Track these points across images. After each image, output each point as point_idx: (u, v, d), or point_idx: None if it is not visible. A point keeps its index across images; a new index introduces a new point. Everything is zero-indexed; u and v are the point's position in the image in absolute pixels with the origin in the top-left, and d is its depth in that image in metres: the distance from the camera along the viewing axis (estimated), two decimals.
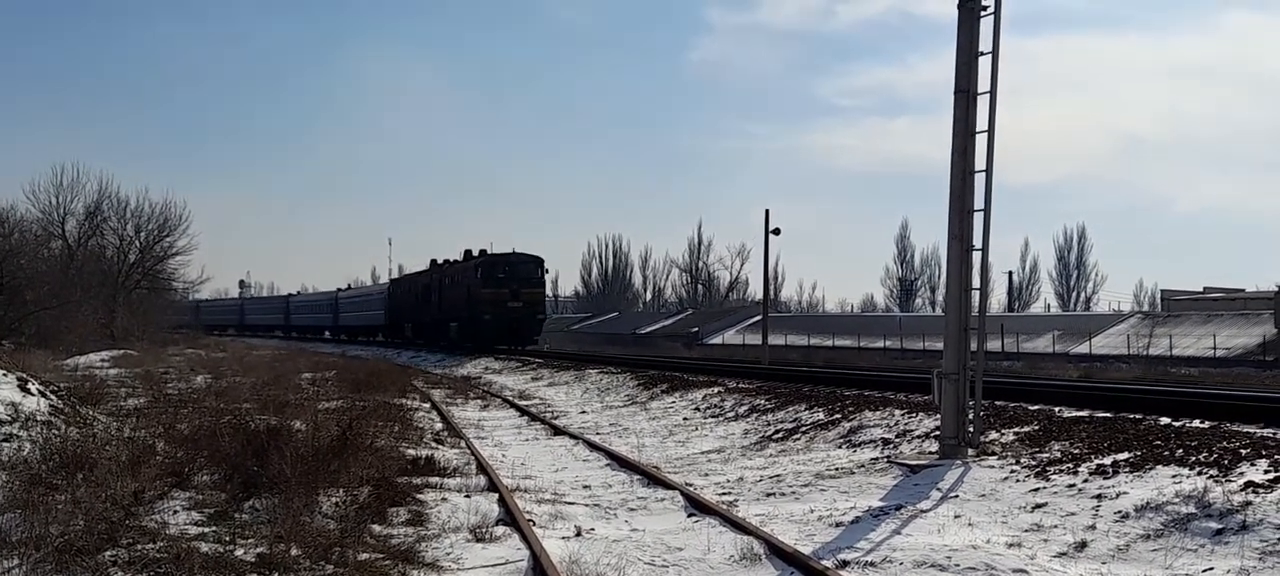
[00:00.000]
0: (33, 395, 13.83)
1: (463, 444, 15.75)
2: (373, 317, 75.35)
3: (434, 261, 62.96)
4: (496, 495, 10.87)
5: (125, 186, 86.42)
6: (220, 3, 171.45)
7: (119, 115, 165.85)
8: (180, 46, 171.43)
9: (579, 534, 9.18)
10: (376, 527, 9.05)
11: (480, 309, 51.57)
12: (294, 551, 7.77)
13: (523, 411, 22.18)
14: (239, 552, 7.82)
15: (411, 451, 13.97)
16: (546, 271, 55.43)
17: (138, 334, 44.19)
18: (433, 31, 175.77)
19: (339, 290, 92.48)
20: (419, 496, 10.72)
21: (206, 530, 8.68)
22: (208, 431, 12.29)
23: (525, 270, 53.06)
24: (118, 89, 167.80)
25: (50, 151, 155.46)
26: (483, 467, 12.90)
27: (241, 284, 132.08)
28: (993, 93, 11.75)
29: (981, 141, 11.80)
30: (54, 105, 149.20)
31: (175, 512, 9.31)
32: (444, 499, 10.73)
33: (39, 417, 12.90)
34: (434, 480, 11.90)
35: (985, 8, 11.82)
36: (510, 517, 9.61)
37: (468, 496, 10.95)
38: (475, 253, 56.94)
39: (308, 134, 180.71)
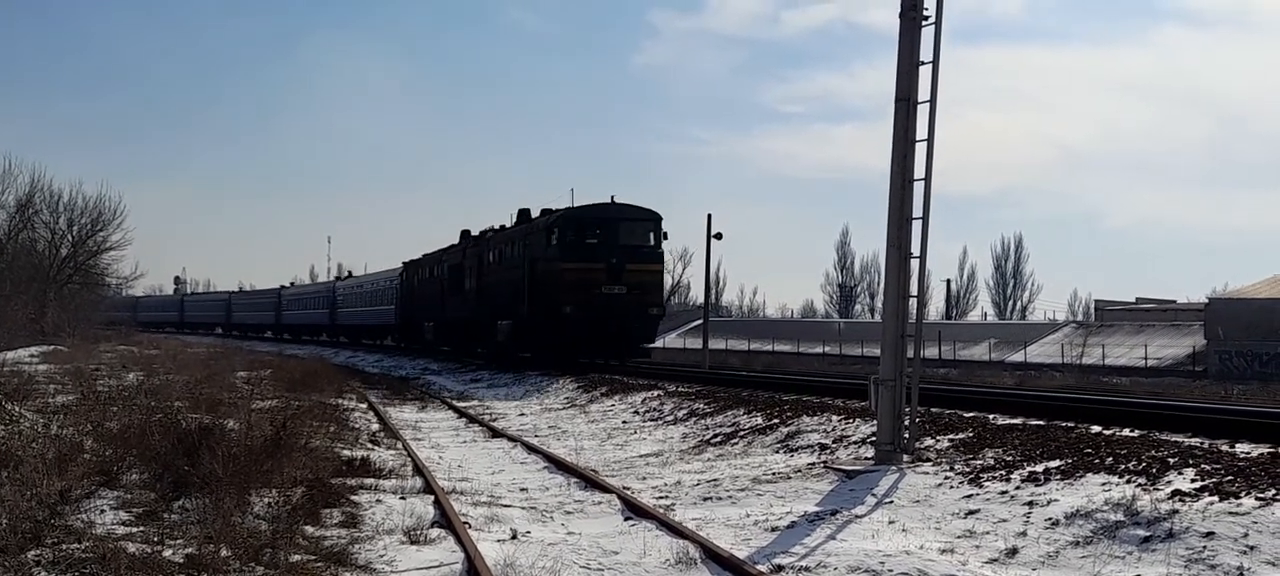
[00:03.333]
0: None
1: (399, 445, 15.62)
2: (380, 315, 58.16)
3: (467, 233, 43.74)
4: (432, 497, 10.79)
5: (59, 179, 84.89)
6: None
7: (55, 106, 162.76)
8: (128, 39, 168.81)
9: (515, 536, 9.13)
10: (309, 529, 8.95)
11: (556, 296, 31.26)
12: (224, 552, 7.66)
13: (461, 413, 22.04)
14: (167, 553, 7.69)
15: (347, 452, 13.84)
16: (665, 237, 33.12)
17: (69, 329, 43.37)
18: (387, 31, 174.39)
19: (337, 279, 75.99)
20: (353, 497, 10.61)
21: (134, 530, 8.53)
22: (138, 429, 12.09)
23: (633, 232, 32.17)
24: (56, 80, 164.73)
25: None
26: (419, 469, 12.80)
27: (177, 281, 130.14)
28: (933, 102, 11.85)
29: (921, 150, 11.91)
30: None
31: (102, 512, 9.14)
32: (379, 500, 10.63)
33: None
34: (369, 481, 11.79)
35: (927, 17, 11.92)
36: (445, 520, 9.54)
37: (403, 498, 10.86)
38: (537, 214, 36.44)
39: (251, 130, 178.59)
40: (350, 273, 75.39)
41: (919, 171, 11.87)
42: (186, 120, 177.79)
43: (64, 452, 10.80)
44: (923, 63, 11.90)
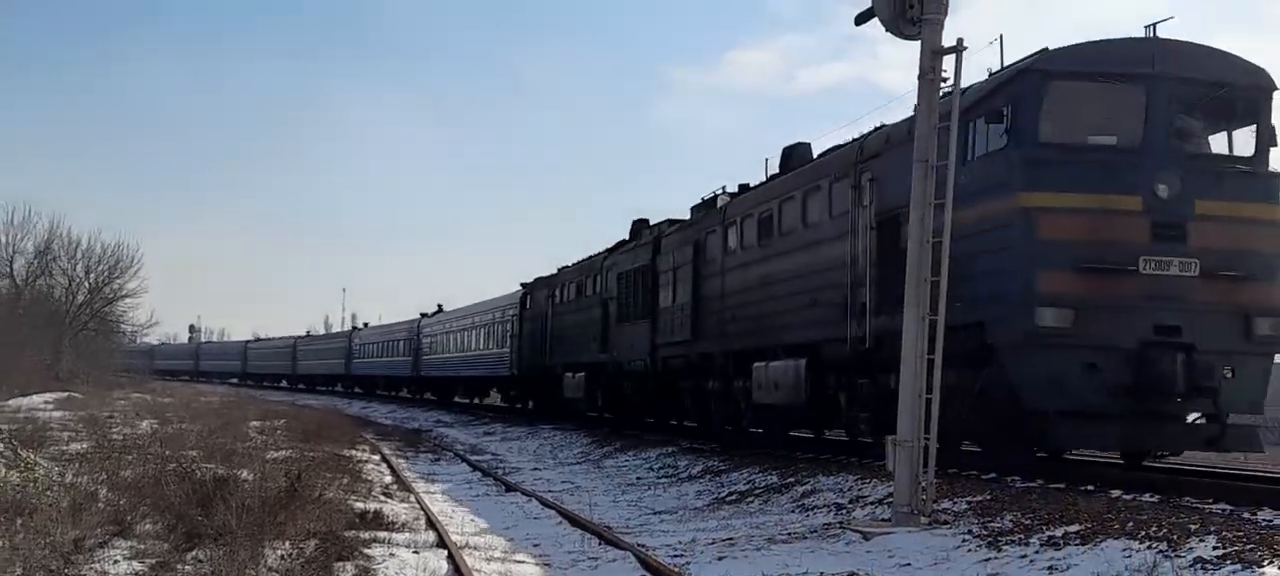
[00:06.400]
0: None
1: (412, 498, 15.57)
2: (485, 362, 43.08)
3: (643, 223, 28.34)
4: (445, 552, 10.74)
5: (78, 226, 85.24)
6: (205, 48, 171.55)
7: (76, 154, 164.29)
8: (151, 88, 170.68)
9: None
10: None
11: (1010, 282, 12.74)
12: None
13: (474, 467, 21.97)
14: None
15: (360, 504, 13.79)
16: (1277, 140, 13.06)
17: (84, 376, 43.46)
18: (407, 83, 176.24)
19: (423, 315, 57.16)
20: (366, 551, 10.57)
21: None
22: (152, 479, 12.10)
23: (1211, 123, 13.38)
24: (78, 128, 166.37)
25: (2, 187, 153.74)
26: (432, 523, 12.75)
27: (192, 328, 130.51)
28: (950, 164, 11.86)
29: (940, 211, 11.89)
30: (6, 141, 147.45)
31: (116, 562, 9.13)
32: (392, 554, 10.59)
33: None
34: (382, 534, 11.74)
35: (945, 79, 11.96)
36: (459, 575, 9.48)
37: (416, 552, 10.80)
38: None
39: (267, 179, 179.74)
40: (440, 307, 56.75)
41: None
42: (205, 168, 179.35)
43: (78, 501, 10.81)
44: (941, 125, 11.93)
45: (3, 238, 50.34)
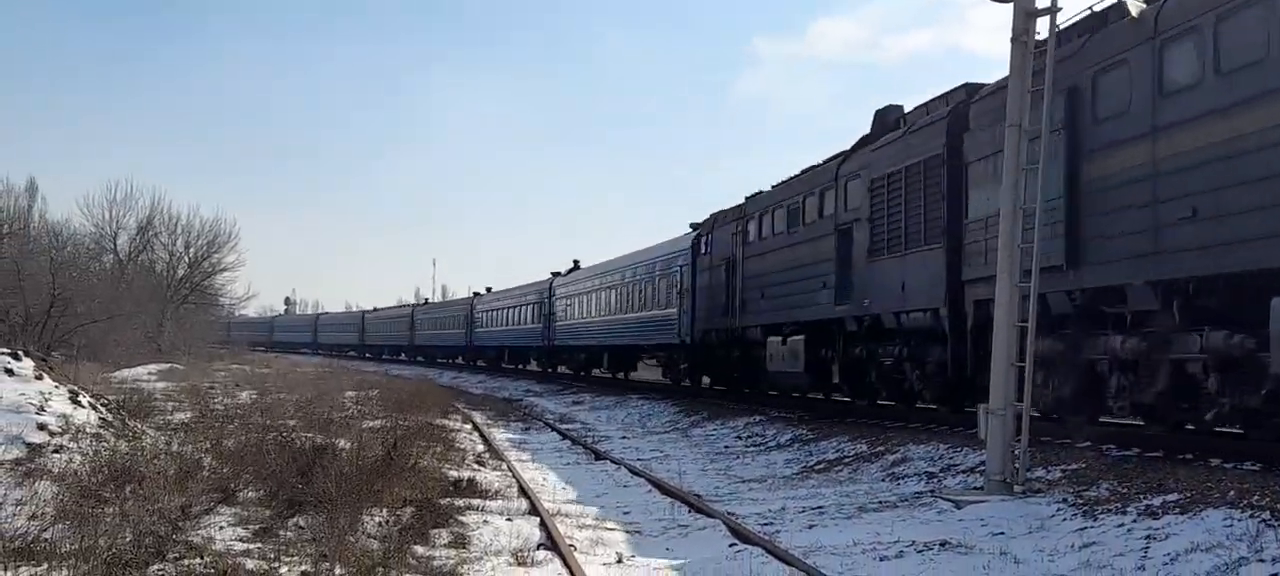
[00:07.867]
0: (83, 407, 14.04)
1: (504, 466, 15.77)
2: (643, 327, 34.30)
3: (891, 110, 19.91)
4: (538, 519, 10.88)
5: (177, 202, 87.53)
6: (291, 29, 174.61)
7: (175, 133, 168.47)
8: (247, 69, 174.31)
9: (620, 561, 9.16)
10: (419, 548, 9.09)
11: None
12: (338, 570, 7.81)
13: (564, 435, 22.18)
14: (283, 570, 7.87)
15: (454, 472, 14.02)
16: None
17: (184, 348, 44.68)
18: (496, 63, 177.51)
19: (554, 275, 48.08)
20: (461, 518, 10.75)
21: (252, 546, 8.75)
22: (253, 448, 12.43)
23: None
24: (176, 108, 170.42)
25: (107, 166, 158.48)
26: (524, 491, 12.91)
27: (287, 301, 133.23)
28: (1045, 127, 11.67)
29: (1032, 177, 11.72)
30: (113, 121, 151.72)
31: (221, 528, 9.40)
32: (486, 521, 10.76)
33: (88, 430, 13.09)
34: (476, 502, 11.93)
35: (1039, 42, 11.76)
36: (551, 542, 9.61)
37: (509, 519, 10.96)
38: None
39: (361, 156, 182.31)
40: (577, 263, 46.94)
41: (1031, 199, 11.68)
42: (293, 147, 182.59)
43: (184, 469, 11.15)
44: (1035, 90, 11.74)
45: (107, 214, 51.92)
